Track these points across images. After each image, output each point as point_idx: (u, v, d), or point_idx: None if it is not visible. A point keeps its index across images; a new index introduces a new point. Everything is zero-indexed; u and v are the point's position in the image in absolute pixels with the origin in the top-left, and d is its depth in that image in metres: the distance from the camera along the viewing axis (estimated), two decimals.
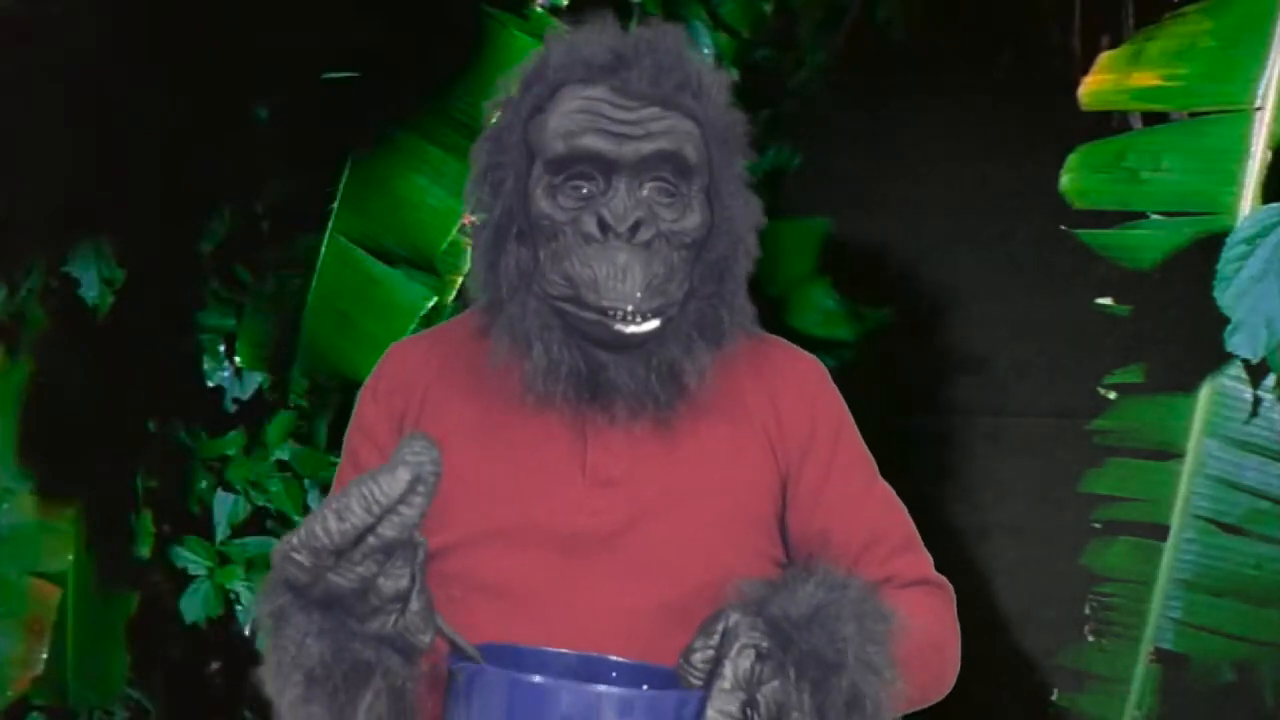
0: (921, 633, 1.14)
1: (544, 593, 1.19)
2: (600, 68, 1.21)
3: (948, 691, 1.26)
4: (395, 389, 1.30)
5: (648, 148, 1.19)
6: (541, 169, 1.21)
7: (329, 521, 0.95)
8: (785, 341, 1.37)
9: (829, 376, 1.35)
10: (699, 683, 1.00)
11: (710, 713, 0.97)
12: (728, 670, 0.97)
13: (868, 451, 1.34)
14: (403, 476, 0.94)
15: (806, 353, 1.37)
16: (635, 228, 1.18)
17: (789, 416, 1.28)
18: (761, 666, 0.98)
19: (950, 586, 1.30)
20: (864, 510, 1.28)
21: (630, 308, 1.17)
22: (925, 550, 1.31)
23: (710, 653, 1.00)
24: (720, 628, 1.00)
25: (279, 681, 1.01)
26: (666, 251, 1.20)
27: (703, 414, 1.25)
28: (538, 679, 0.99)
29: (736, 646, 0.98)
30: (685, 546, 1.21)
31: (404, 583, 0.98)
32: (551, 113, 1.21)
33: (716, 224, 1.24)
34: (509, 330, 1.22)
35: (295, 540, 0.96)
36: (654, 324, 1.19)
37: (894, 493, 1.33)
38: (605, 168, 1.20)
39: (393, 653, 1.00)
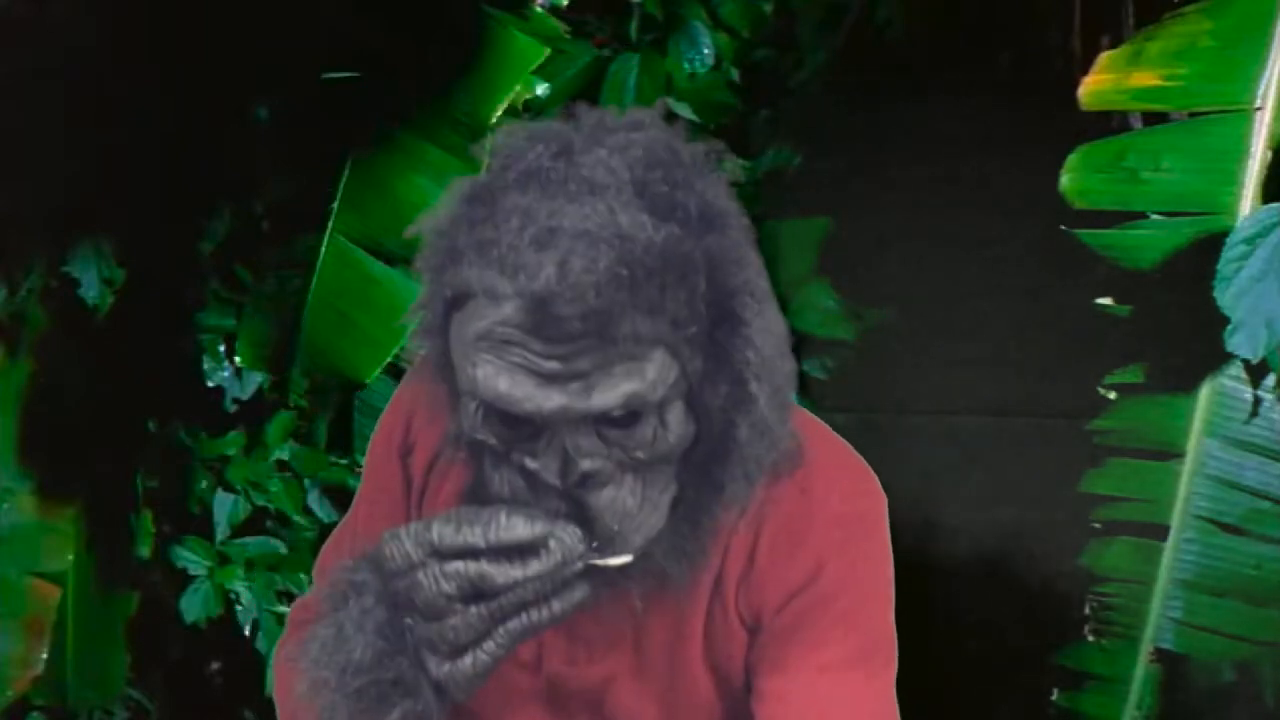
0: None
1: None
2: (515, 294, 0.87)
3: None
4: (412, 448, 1.16)
5: (582, 407, 0.88)
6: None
7: (446, 525, 0.91)
8: (839, 468, 1.06)
9: (878, 527, 1.06)
10: None
11: None
12: None
13: (877, 637, 1.06)
14: (536, 528, 0.89)
15: (864, 491, 1.06)
16: (582, 480, 0.91)
17: (769, 562, 1.03)
18: None
19: None
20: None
21: (580, 565, 0.93)
22: None
23: None
24: None
25: (313, 665, 0.95)
26: (633, 482, 0.93)
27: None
28: None
29: None
30: (658, 705, 1.11)
31: (474, 635, 0.92)
32: (461, 329, 0.93)
33: (710, 370, 0.92)
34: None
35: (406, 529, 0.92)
36: (625, 558, 0.95)
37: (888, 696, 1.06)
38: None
39: (429, 686, 0.94)
